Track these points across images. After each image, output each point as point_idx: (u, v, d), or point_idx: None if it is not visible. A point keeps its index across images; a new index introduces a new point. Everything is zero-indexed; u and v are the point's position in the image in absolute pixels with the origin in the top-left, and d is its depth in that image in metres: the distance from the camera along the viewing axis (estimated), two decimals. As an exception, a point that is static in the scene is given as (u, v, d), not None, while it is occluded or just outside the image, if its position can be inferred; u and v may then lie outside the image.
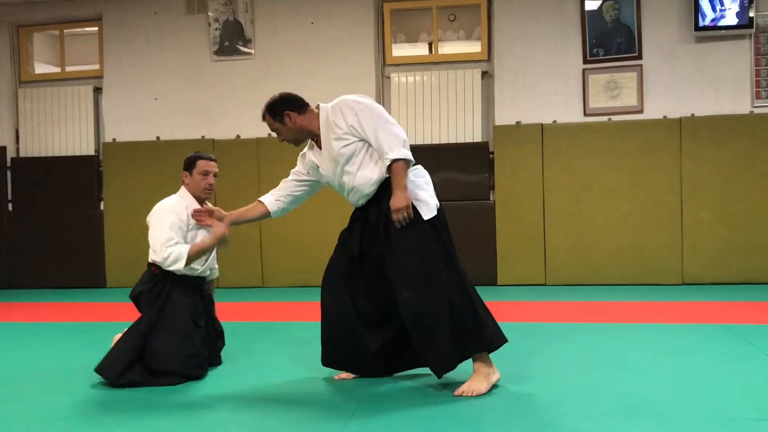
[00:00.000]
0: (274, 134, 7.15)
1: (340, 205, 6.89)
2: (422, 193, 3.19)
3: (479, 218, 6.72)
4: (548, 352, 3.88)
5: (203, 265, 3.64)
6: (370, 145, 3.18)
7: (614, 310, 5.32)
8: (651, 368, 3.46)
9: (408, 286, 3.13)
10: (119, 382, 3.33)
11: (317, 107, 3.32)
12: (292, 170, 3.60)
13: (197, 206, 3.62)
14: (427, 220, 3.14)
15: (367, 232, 3.31)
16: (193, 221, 3.57)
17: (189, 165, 3.69)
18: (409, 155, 3.12)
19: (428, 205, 3.17)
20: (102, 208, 7.38)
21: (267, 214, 3.58)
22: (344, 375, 3.45)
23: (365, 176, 3.21)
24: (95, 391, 3.32)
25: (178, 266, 3.45)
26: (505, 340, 3.21)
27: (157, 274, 3.53)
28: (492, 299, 5.91)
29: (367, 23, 6.98)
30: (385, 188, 3.17)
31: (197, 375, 3.48)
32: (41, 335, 4.82)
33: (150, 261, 3.56)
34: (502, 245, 6.69)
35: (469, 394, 3.06)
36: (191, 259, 3.47)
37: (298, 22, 7.08)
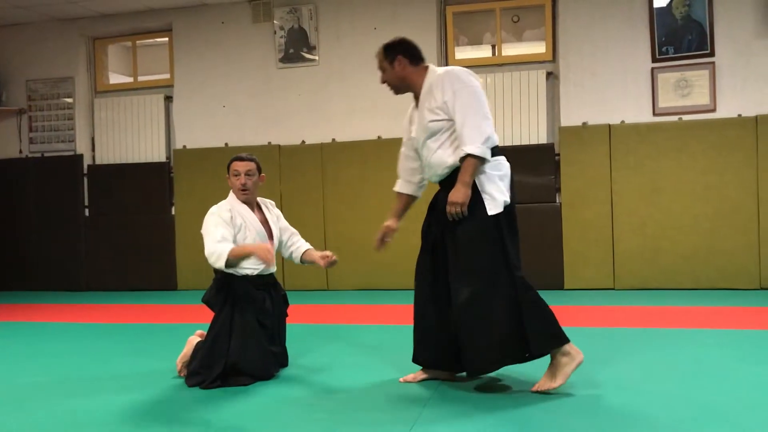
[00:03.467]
0: (338, 139, 7.29)
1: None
2: (492, 187, 3.12)
3: (545, 221, 6.63)
4: (619, 358, 3.79)
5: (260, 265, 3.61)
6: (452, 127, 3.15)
7: (687, 314, 5.16)
8: (728, 375, 3.34)
9: (458, 278, 3.14)
10: (203, 386, 3.42)
11: (427, 68, 3.30)
12: (403, 143, 3.58)
13: (241, 207, 3.67)
14: (491, 216, 3.10)
15: (436, 219, 3.32)
16: (239, 222, 3.60)
17: (228, 168, 3.79)
18: (486, 154, 3.07)
19: (494, 201, 3.11)
20: (173, 212, 7.60)
21: (413, 198, 3.65)
22: (410, 377, 3.44)
23: (441, 157, 3.20)
24: (168, 391, 3.42)
25: (219, 264, 3.47)
26: (547, 352, 3.12)
27: (218, 278, 3.59)
28: (559, 303, 5.83)
29: (429, 27, 6.98)
30: (458, 175, 3.13)
31: (267, 375, 3.55)
32: (117, 336, 4.99)
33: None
34: (569, 249, 6.58)
35: (542, 390, 3.07)
36: (230, 261, 3.47)
37: (362, 28, 7.14)
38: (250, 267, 3.60)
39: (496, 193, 3.12)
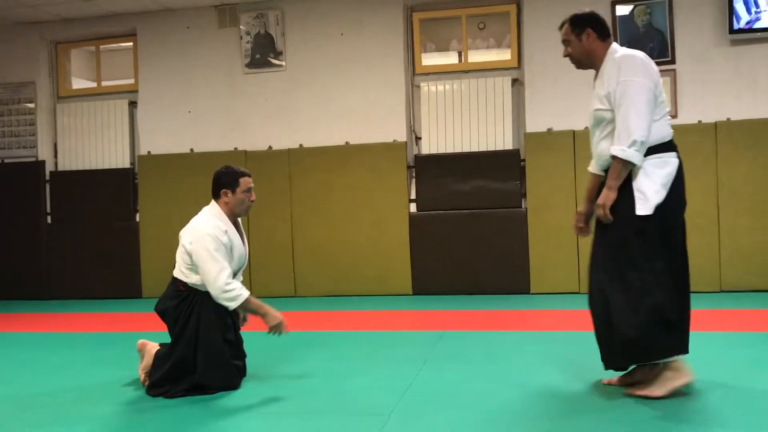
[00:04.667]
0: (306, 144, 7.26)
1: (372, 213, 6.96)
2: (647, 185, 2.97)
3: (511, 226, 6.69)
4: (583, 361, 3.83)
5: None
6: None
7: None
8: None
9: (596, 272, 3.11)
10: (168, 396, 3.39)
11: (610, 45, 3.17)
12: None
13: (231, 227, 3.56)
14: (638, 216, 2.95)
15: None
16: (229, 244, 3.52)
17: (231, 183, 3.58)
18: (631, 157, 2.93)
19: (646, 201, 2.95)
20: (138, 219, 7.50)
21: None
22: (614, 380, 3.29)
23: (604, 148, 3.10)
24: (134, 402, 3.37)
25: (232, 305, 3.45)
26: (668, 354, 3.02)
27: (183, 291, 3.53)
28: (525, 307, 5.89)
29: (396, 33, 7.00)
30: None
31: (234, 385, 3.52)
32: (80, 345, 4.91)
33: (177, 277, 3.55)
34: (535, 253, 6.64)
35: (642, 395, 3.03)
36: (243, 306, 3.48)
37: (328, 33, 7.14)
38: None
39: (650, 193, 2.96)
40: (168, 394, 3.37)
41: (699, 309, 5.42)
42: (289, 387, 3.52)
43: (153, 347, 3.63)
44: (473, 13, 7.04)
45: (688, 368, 3.05)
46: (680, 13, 6.46)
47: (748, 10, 6.25)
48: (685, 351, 3.05)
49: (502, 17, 7.02)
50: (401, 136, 6.95)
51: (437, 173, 6.85)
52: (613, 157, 2.98)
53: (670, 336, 2.99)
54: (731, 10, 6.27)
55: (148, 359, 3.57)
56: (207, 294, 3.50)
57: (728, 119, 6.36)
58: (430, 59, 7.27)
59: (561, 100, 6.67)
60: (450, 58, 7.35)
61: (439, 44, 7.42)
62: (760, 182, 6.27)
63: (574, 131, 6.60)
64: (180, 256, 3.57)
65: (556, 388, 3.29)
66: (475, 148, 6.83)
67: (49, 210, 7.73)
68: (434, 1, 7.03)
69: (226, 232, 3.51)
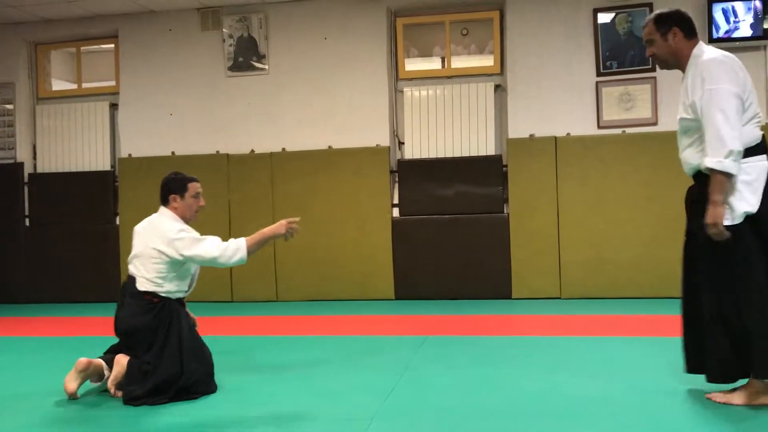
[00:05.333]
0: (288, 148, 7.24)
1: (355, 217, 6.95)
2: (731, 194, 2.86)
3: (493, 231, 6.71)
4: (563, 366, 3.85)
5: (191, 286, 3.69)
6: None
7: (631, 323, 5.28)
8: (670, 383, 3.42)
9: (697, 281, 3.02)
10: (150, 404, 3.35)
11: (696, 46, 3.07)
12: None
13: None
14: (726, 226, 2.84)
15: (689, 213, 3.12)
16: None
17: (180, 188, 3.62)
18: (729, 168, 2.81)
19: (733, 211, 2.86)
20: (118, 222, 7.43)
21: None
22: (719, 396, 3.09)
23: (689, 155, 3.02)
24: (111, 404, 3.33)
25: (240, 255, 3.49)
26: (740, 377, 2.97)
27: (156, 303, 3.49)
28: (506, 312, 5.91)
29: (380, 38, 7.01)
30: (700, 182, 2.95)
31: (214, 388, 3.52)
32: (59, 349, 4.84)
33: (146, 290, 3.49)
34: (517, 258, 6.67)
35: (721, 401, 3.00)
36: (251, 250, 3.53)
37: (312, 37, 7.13)
38: (180, 290, 3.57)
39: (734, 201, 2.87)
40: (150, 402, 3.34)
41: (678, 315, 5.49)
42: (268, 392, 3.50)
43: (122, 358, 3.50)
44: (456, 19, 7.07)
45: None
46: (661, 22, 6.52)
47: (727, 20, 6.34)
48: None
49: (485, 23, 7.06)
50: (384, 140, 6.95)
51: (420, 178, 6.86)
52: (711, 170, 2.85)
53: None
54: (710, 20, 6.35)
55: (119, 371, 3.47)
56: (178, 301, 3.53)
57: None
58: (413, 64, 7.29)
59: (543, 106, 6.71)
60: (433, 64, 7.38)
61: (423, 50, 7.44)
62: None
63: (555, 137, 6.64)
64: (149, 265, 3.49)
65: (537, 393, 3.30)
66: (457, 154, 6.85)
67: (27, 212, 7.63)
68: (418, 7, 7.05)
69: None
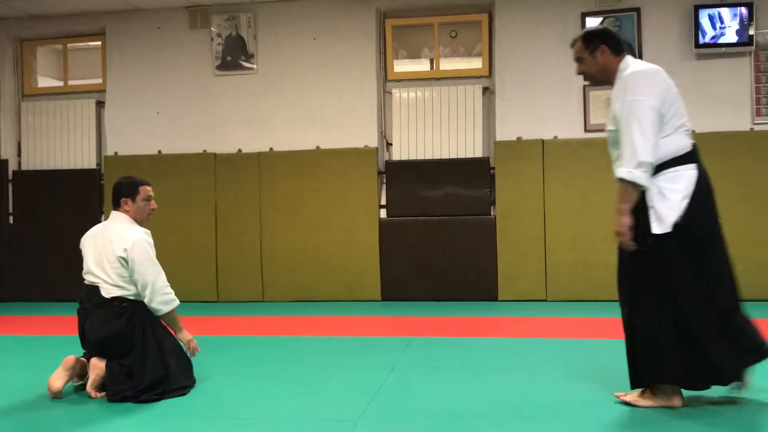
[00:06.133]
0: (276, 148, 7.22)
1: (343, 218, 6.94)
2: (661, 204, 2.90)
3: (480, 233, 6.72)
4: (549, 368, 3.86)
5: None
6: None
7: (616, 326, 5.29)
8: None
9: (621, 295, 3.06)
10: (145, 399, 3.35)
11: (623, 60, 3.11)
12: None
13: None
14: (654, 234, 2.88)
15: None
16: None
17: (131, 191, 3.60)
18: (638, 179, 2.85)
19: (660, 219, 2.89)
20: (102, 221, 7.37)
21: None
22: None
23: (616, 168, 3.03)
24: (93, 404, 3.31)
25: (165, 309, 3.49)
26: (698, 387, 2.99)
27: (126, 307, 3.46)
28: (493, 314, 5.92)
29: (369, 39, 7.01)
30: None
31: (194, 382, 3.57)
32: (43, 348, 4.81)
33: (114, 296, 3.45)
34: (503, 260, 6.68)
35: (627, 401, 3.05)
36: (169, 314, 3.54)
37: (301, 37, 7.12)
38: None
39: (664, 210, 2.89)
40: (143, 399, 3.33)
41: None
42: (254, 392, 3.49)
43: (97, 362, 3.46)
44: (445, 21, 7.08)
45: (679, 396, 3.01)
46: (648, 27, 6.58)
47: (713, 26, 6.39)
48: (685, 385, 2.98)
49: (474, 26, 7.08)
50: (372, 141, 6.95)
51: (408, 179, 6.86)
52: (621, 180, 2.90)
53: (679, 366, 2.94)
54: (697, 25, 6.40)
55: (97, 374, 3.44)
56: (142, 302, 3.51)
57: (693, 131, 6.45)
58: (402, 66, 7.30)
59: (531, 109, 6.74)
60: (422, 66, 7.39)
61: (411, 51, 7.45)
62: (722, 194, 6.30)
63: (543, 140, 6.67)
64: (111, 272, 3.46)
65: (523, 395, 3.31)
66: (445, 155, 6.86)
67: (11, 210, 7.57)
68: (407, 9, 7.05)
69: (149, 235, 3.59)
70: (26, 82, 7.74)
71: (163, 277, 3.51)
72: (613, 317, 5.62)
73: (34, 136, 7.59)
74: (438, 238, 6.81)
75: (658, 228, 2.88)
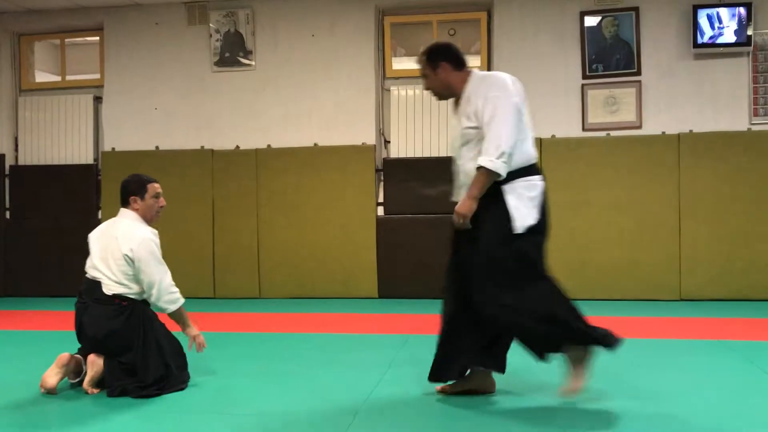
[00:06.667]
0: (274, 145, 7.21)
1: (340, 215, 6.94)
2: (521, 206, 3.04)
3: (477, 232, 6.72)
4: (544, 366, 3.86)
5: None
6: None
7: (611, 325, 5.29)
8: (648, 383, 3.45)
9: (471, 281, 3.13)
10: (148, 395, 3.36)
11: (470, 72, 3.21)
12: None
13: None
14: (515, 234, 3.01)
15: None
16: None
17: (139, 189, 3.59)
18: (499, 168, 2.96)
19: (522, 219, 3.03)
20: (100, 217, 7.37)
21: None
22: (447, 387, 3.34)
23: (470, 168, 3.10)
24: (87, 400, 3.31)
25: (172, 308, 3.50)
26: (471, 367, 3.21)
27: (126, 306, 3.45)
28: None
29: (367, 36, 7.01)
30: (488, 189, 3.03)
31: (188, 378, 3.60)
32: (38, 344, 4.80)
33: (115, 294, 3.45)
34: (500, 259, 6.67)
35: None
36: (178, 312, 3.55)
37: (299, 34, 7.11)
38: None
39: (521, 215, 3.03)
40: (144, 395, 3.34)
41: (658, 317, 5.55)
42: (250, 389, 3.49)
43: (95, 359, 3.45)
44: (444, 18, 7.08)
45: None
46: (647, 26, 6.58)
47: (712, 26, 6.40)
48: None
49: (473, 24, 7.07)
50: (370, 139, 6.95)
51: (405, 177, 6.86)
52: (480, 168, 2.97)
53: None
54: (695, 25, 6.40)
55: (96, 371, 3.43)
56: (145, 302, 3.52)
57: (691, 131, 6.49)
58: (400, 63, 7.29)
59: (529, 107, 6.71)
60: (420, 63, 7.37)
61: (410, 49, 7.44)
62: (720, 193, 6.41)
63: (541, 139, 6.66)
64: (115, 269, 3.46)
65: (518, 392, 3.31)
66: (443, 153, 6.85)
67: (8, 205, 7.55)
68: (406, 6, 7.05)
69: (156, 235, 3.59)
70: (24, 77, 7.72)
71: (169, 276, 3.51)
72: (608, 316, 5.65)
73: (32, 131, 7.57)
74: (435, 235, 6.79)
75: (519, 228, 3.02)
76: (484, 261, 3.06)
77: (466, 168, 3.15)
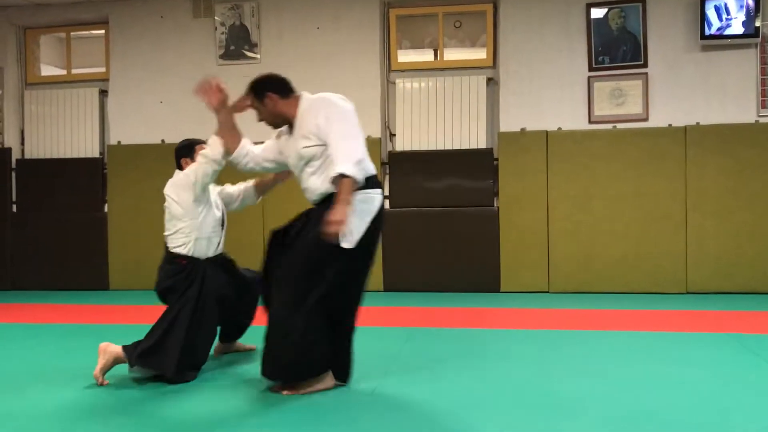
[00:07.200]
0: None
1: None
2: (354, 221, 3.07)
3: (483, 225, 6.72)
4: (550, 359, 3.86)
5: (216, 242, 3.78)
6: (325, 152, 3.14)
7: (617, 318, 5.30)
8: (655, 376, 3.45)
9: (277, 284, 3.20)
10: (174, 379, 3.40)
11: (299, 96, 3.31)
12: (272, 139, 3.56)
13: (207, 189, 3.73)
14: (339, 247, 3.06)
15: (300, 225, 3.32)
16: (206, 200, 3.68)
17: (189, 151, 3.84)
18: (357, 174, 3.03)
19: (351, 235, 3.07)
20: (106, 210, 7.39)
21: (233, 151, 3.56)
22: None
23: (315, 183, 3.19)
24: (98, 391, 3.32)
25: (213, 164, 3.60)
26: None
27: (185, 265, 3.57)
28: (495, 305, 5.93)
29: (372, 29, 6.99)
30: (329, 202, 3.08)
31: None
32: (44, 337, 4.82)
33: (174, 251, 3.59)
34: (506, 252, 6.68)
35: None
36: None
37: (304, 27, 7.10)
38: (201, 244, 3.63)
39: (354, 227, 3.07)
40: (156, 367, 3.41)
41: (664, 310, 5.54)
42: (255, 381, 3.49)
43: (110, 346, 3.50)
44: (450, 11, 7.05)
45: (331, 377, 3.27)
46: (654, 18, 6.54)
47: (719, 17, 6.35)
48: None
49: (479, 16, 7.04)
50: (375, 132, 6.94)
51: (410, 170, 6.85)
52: (343, 176, 3.00)
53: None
54: (703, 17, 6.36)
55: (107, 359, 3.46)
56: (205, 261, 3.63)
57: (698, 123, 6.45)
58: (405, 56, 7.27)
59: (535, 100, 6.71)
60: (425, 56, 7.36)
61: (415, 41, 7.42)
62: (726, 186, 6.38)
63: (547, 131, 6.65)
64: (169, 220, 3.64)
65: (523, 385, 3.31)
66: (449, 146, 6.84)
67: (14, 198, 7.57)
68: (411, -2, 7.02)
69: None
70: (29, 71, 7.73)
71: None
72: (615, 309, 5.64)
73: (38, 125, 7.59)
74: (441, 229, 6.80)
75: (347, 243, 3.06)
76: (297, 263, 3.14)
77: (311, 184, 3.21)
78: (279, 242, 3.38)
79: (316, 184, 3.18)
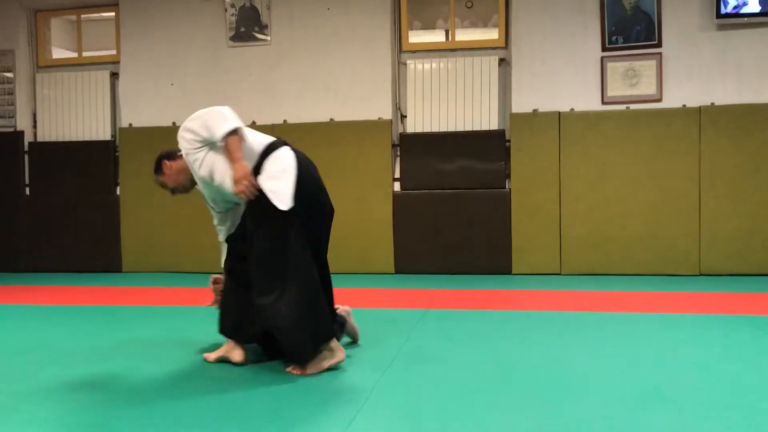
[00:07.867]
0: (290, 120, 7.20)
1: (356, 191, 6.93)
2: (274, 183, 3.12)
3: (495, 206, 6.69)
4: (562, 341, 3.85)
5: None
6: (212, 147, 3.18)
7: (630, 299, 5.28)
8: (668, 358, 3.43)
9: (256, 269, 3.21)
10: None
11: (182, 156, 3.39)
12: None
13: None
14: (283, 211, 3.09)
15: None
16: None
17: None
18: (234, 124, 3.11)
19: (281, 195, 3.11)
20: (118, 192, 7.42)
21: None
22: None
23: (229, 181, 3.17)
24: (115, 371, 3.34)
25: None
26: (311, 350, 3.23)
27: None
28: (507, 287, 5.92)
29: (383, 10, 6.93)
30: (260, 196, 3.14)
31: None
32: (57, 318, 4.86)
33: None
34: (518, 234, 6.66)
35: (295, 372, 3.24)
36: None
37: (315, 8, 7.06)
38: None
39: (281, 189, 3.12)
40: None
41: (677, 292, 5.51)
42: (266, 363, 3.51)
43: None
44: (461, -9, 6.98)
45: (340, 348, 3.31)
46: (668, -3, 6.45)
47: (736, -5, 6.25)
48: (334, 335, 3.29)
49: (491, -4, 6.97)
50: (386, 113, 6.91)
51: (422, 152, 6.82)
52: (225, 138, 3.10)
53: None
54: (719, -5, 6.27)
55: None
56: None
57: (712, 104, 6.38)
58: (416, 37, 7.22)
59: (547, 81, 6.65)
60: (437, 37, 7.31)
61: (427, 22, 7.36)
62: (741, 167, 6.32)
63: (559, 113, 6.60)
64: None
65: (535, 366, 3.30)
66: (460, 128, 6.81)
67: (27, 181, 7.62)
68: (422, -22, 6.96)
69: None
70: (41, 54, 7.74)
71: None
72: (627, 290, 5.62)
73: (49, 108, 7.61)
74: (452, 211, 6.79)
75: (283, 204, 3.09)
76: (256, 241, 3.21)
77: (226, 183, 3.18)
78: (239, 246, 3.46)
79: (228, 180, 3.17)
